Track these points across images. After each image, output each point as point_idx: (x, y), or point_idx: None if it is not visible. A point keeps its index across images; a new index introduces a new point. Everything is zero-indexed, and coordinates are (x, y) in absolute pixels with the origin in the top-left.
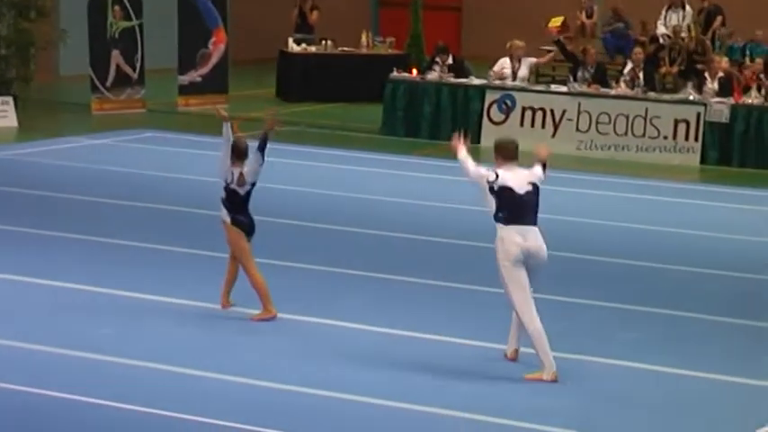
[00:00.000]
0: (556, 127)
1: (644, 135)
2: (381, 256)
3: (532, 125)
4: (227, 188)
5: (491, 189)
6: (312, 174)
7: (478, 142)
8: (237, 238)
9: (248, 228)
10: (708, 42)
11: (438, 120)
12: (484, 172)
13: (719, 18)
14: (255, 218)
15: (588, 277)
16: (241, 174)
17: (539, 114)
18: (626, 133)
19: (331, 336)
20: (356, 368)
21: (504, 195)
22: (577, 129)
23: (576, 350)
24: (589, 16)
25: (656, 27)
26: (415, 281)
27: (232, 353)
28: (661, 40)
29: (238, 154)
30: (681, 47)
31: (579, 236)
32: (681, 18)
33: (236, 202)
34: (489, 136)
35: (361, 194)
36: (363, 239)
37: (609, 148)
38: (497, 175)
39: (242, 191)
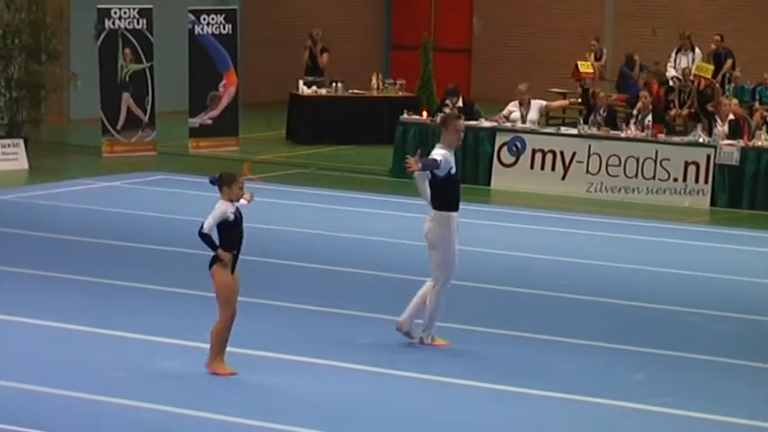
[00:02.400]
0: (566, 169)
1: (654, 177)
2: (391, 298)
3: (542, 167)
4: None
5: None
6: (322, 216)
7: (489, 185)
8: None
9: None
10: (717, 85)
11: None
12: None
13: (730, 61)
14: (266, 260)
15: (597, 319)
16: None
17: (549, 156)
18: (636, 175)
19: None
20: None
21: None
22: (587, 171)
23: (588, 392)
24: (598, 59)
25: (666, 70)
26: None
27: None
28: (671, 83)
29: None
30: (690, 89)
31: (589, 277)
32: (690, 61)
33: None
34: (500, 178)
35: (372, 237)
36: (373, 281)
37: (619, 190)
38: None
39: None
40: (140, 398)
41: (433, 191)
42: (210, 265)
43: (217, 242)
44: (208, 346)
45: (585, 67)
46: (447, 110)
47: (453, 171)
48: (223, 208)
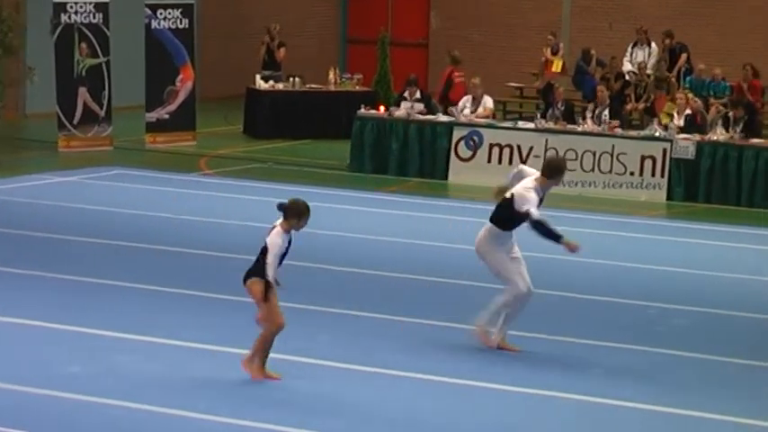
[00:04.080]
0: (523, 163)
1: (611, 171)
2: (346, 293)
3: (500, 162)
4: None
5: None
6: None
7: (446, 179)
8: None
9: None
10: (673, 80)
11: (405, 156)
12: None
13: (684, 55)
14: (216, 254)
15: (553, 313)
16: None
17: (506, 151)
18: (593, 169)
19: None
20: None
21: None
22: None
23: (550, 386)
24: (555, 53)
25: (621, 64)
26: (381, 317)
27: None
28: (627, 77)
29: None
30: (647, 83)
31: (545, 272)
32: (647, 55)
33: None
34: (457, 172)
35: (328, 231)
36: (329, 276)
37: (576, 184)
38: None
39: None
40: (100, 394)
41: (504, 214)
42: (246, 280)
43: (270, 274)
44: (168, 342)
45: (556, 66)
46: (404, 104)
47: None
48: (279, 242)
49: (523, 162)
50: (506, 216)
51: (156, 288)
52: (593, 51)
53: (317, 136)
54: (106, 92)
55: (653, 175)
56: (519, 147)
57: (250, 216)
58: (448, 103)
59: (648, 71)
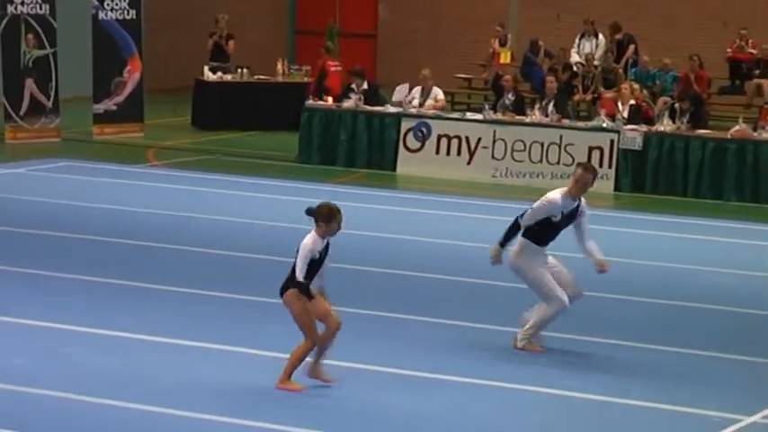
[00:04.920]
0: (471, 155)
1: (558, 162)
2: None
3: (448, 153)
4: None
5: None
6: (228, 202)
7: (394, 170)
8: None
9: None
10: (620, 71)
11: (354, 148)
12: None
13: (632, 47)
14: (161, 246)
15: (502, 304)
16: None
17: (454, 142)
18: (541, 160)
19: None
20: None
21: None
22: (493, 156)
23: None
24: (503, 45)
25: (569, 55)
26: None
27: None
28: (575, 68)
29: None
30: (594, 75)
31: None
32: (594, 46)
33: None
34: (405, 164)
35: (277, 223)
36: (278, 267)
37: (524, 175)
38: None
39: None
40: (46, 386)
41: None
42: (282, 292)
43: (299, 276)
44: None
45: (504, 57)
46: (353, 95)
47: (555, 219)
48: (311, 246)
49: (472, 152)
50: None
51: (102, 280)
52: (541, 42)
53: (265, 127)
54: (53, 83)
55: (600, 165)
56: (467, 138)
57: (198, 207)
58: (322, 91)
59: (596, 62)
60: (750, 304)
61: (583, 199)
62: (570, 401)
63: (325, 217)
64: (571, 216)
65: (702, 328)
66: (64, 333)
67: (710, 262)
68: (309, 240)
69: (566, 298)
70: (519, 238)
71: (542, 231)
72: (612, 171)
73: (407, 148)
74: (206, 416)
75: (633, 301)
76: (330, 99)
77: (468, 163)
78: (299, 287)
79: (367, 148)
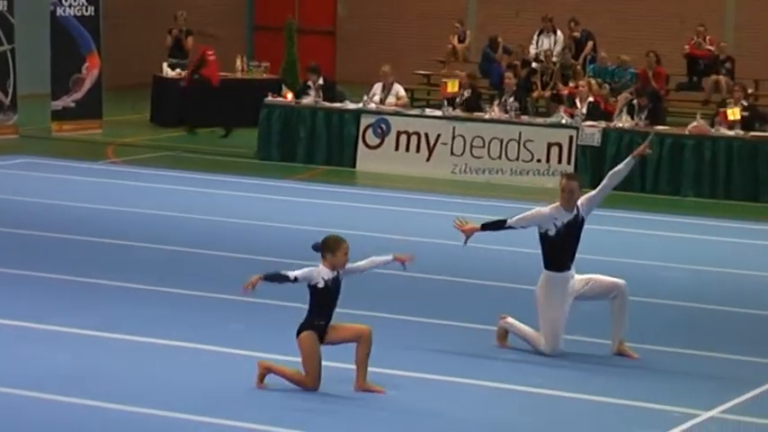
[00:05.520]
0: (431, 151)
1: (518, 158)
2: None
3: (407, 149)
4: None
5: None
6: (187, 199)
7: (354, 166)
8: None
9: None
10: (579, 67)
11: (313, 144)
12: None
13: (590, 43)
14: (120, 243)
15: (463, 300)
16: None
17: (413, 138)
18: (500, 157)
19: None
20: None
21: None
22: (452, 153)
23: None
24: (461, 41)
25: (528, 52)
26: (286, 305)
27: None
28: (533, 65)
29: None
30: (553, 71)
31: (453, 258)
32: (552, 43)
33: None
34: (365, 160)
35: (236, 219)
36: (237, 264)
37: (483, 171)
38: None
39: None
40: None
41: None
42: (298, 333)
43: (265, 274)
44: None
45: (452, 86)
46: (311, 92)
47: (551, 233)
48: (309, 270)
49: (431, 149)
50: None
51: (60, 277)
52: (499, 39)
53: (224, 124)
54: (11, 80)
55: (559, 162)
56: (426, 134)
57: (157, 204)
58: (201, 79)
59: (554, 59)
60: (706, 299)
61: (581, 203)
62: (532, 398)
63: (331, 248)
64: (571, 229)
65: (658, 323)
66: (17, 330)
67: (667, 257)
68: (311, 268)
69: (550, 348)
70: (542, 271)
71: (551, 254)
72: (572, 167)
73: (367, 145)
74: (163, 413)
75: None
76: (289, 96)
77: (428, 159)
78: (265, 276)
79: (326, 145)
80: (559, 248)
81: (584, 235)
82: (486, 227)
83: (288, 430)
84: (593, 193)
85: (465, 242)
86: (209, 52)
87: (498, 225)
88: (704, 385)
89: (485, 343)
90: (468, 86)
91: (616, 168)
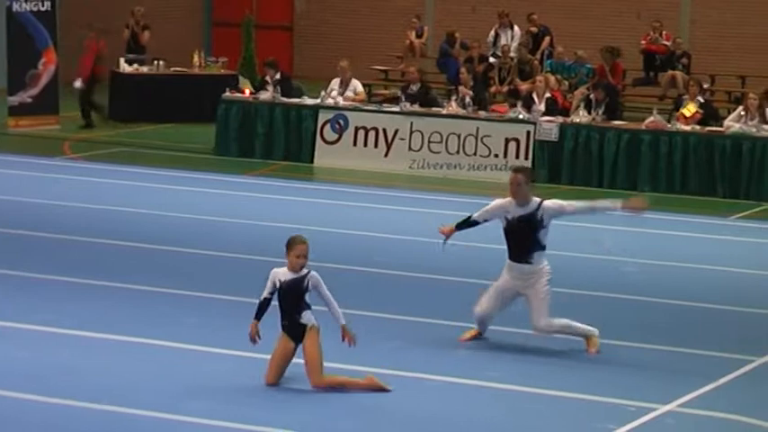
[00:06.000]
0: (389, 146)
1: (475, 154)
2: (212, 276)
3: (365, 144)
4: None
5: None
6: (144, 195)
7: (312, 162)
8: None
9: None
10: (536, 63)
11: (271, 140)
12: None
13: (547, 38)
14: (77, 239)
15: (416, 295)
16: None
17: (371, 134)
18: (458, 152)
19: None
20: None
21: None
22: (410, 148)
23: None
24: (419, 36)
25: (485, 47)
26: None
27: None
28: (491, 60)
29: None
30: (510, 66)
31: (410, 254)
32: (509, 38)
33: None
34: (323, 155)
35: (194, 215)
36: (194, 260)
37: (441, 166)
38: None
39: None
40: None
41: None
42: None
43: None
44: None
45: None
46: (269, 87)
47: (504, 225)
48: (271, 276)
49: (389, 144)
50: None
51: (18, 273)
52: (457, 34)
53: (181, 119)
54: None
55: (517, 157)
56: (384, 130)
57: (114, 200)
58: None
59: (511, 54)
60: (663, 294)
61: (546, 205)
62: (487, 392)
63: (287, 247)
64: (523, 224)
65: (616, 318)
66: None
67: (624, 252)
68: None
69: (478, 310)
70: None
71: (506, 242)
72: (529, 162)
73: (325, 140)
74: (121, 409)
75: (552, 292)
76: (247, 91)
77: (386, 155)
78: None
79: (284, 140)
80: (510, 240)
81: None
82: (459, 226)
83: (232, 423)
84: (567, 205)
85: (444, 243)
86: (104, 46)
87: (468, 221)
88: (662, 379)
89: (437, 337)
90: (417, 81)
91: (602, 205)
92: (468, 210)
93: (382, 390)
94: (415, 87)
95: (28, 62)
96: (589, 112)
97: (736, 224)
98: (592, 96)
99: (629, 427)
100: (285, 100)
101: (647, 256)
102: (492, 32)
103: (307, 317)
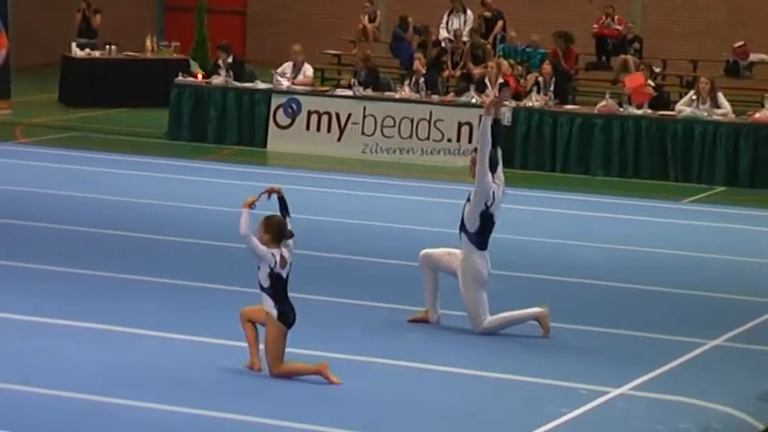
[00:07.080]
0: (341, 130)
1: (428, 138)
2: (163, 261)
3: (318, 129)
4: (271, 274)
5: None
6: (96, 180)
7: (265, 147)
8: (279, 335)
9: (292, 321)
10: (489, 47)
11: (224, 124)
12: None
13: (500, 23)
14: (26, 223)
15: (371, 280)
16: (282, 256)
17: (324, 118)
18: (411, 136)
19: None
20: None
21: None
22: (363, 132)
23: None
24: (372, 20)
25: (438, 31)
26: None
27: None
28: (443, 44)
29: (282, 234)
30: (463, 51)
31: (363, 238)
32: (462, 22)
33: (281, 289)
34: (276, 140)
35: (145, 200)
36: (147, 245)
37: (394, 151)
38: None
39: (284, 273)
40: None
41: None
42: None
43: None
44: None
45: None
46: (222, 71)
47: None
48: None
49: (342, 128)
50: None
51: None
52: (410, 19)
53: (134, 104)
54: None
55: (470, 141)
56: (337, 114)
57: (66, 185)
58: None
59: (464, 38)
60: (616, 278)
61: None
62: (438, 376)
63: (285, 233)
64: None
65: (569, 301)
66: None
67: (578, 236)
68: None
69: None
70: None
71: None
72: None
73: (278, 125)
74: (78, 395)
75: (501, 275)
76: (199, 76)
77: (339, 139)
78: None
79: (237, 125)
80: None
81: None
82: None
83: (185, 409)
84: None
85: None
86: None
87: None
88: (614, 362)
89: (388, 322)
90: (363, 67)
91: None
92: (420, 194)
93: (331, 383)
94: (363, 73)
95: None
96: (539, 93)
97: (688, 207)
98: (539, 79)
99: (581, 410)
100: (238, 84)
101: (600, 239)
102: (445, 17)
103: (266, 302)
